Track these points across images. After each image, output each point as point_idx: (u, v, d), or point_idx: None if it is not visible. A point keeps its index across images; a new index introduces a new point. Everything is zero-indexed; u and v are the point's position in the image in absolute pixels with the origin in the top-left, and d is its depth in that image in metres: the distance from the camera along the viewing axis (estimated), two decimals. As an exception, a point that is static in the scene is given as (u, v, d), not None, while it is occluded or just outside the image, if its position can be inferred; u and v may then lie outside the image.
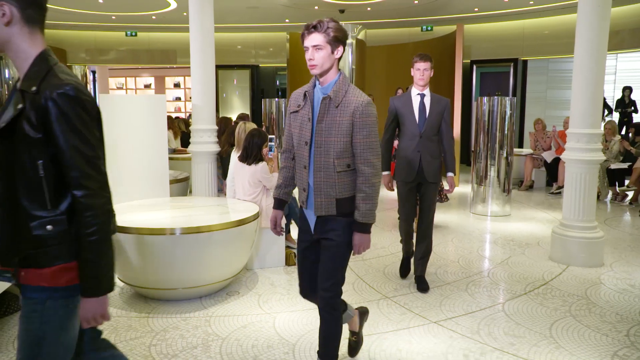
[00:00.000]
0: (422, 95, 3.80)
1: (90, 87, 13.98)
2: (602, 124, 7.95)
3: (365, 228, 2.35)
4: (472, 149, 7.25)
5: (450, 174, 3.89)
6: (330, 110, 2.30)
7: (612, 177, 7.63)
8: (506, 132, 6.58)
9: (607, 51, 4.47)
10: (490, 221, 6.40)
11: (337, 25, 2.26)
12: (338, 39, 2.26)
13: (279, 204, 2.63)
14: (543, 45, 11.21)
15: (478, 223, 6.29)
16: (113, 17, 11.37)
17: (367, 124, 2.29)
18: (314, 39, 2.23)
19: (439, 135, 3.83)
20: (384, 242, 5.28)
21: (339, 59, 2.31)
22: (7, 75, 7.05)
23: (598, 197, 7.34)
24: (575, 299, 3.78)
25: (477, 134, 6.82)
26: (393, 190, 4.03)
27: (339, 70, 2.36)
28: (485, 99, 6.67)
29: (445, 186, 4.19)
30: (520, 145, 11.50)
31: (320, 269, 2.45)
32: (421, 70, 3.73)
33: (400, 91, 8.82)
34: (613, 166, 7.55)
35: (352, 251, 2.42)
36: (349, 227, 2.37)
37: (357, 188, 2.33)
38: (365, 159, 2.30)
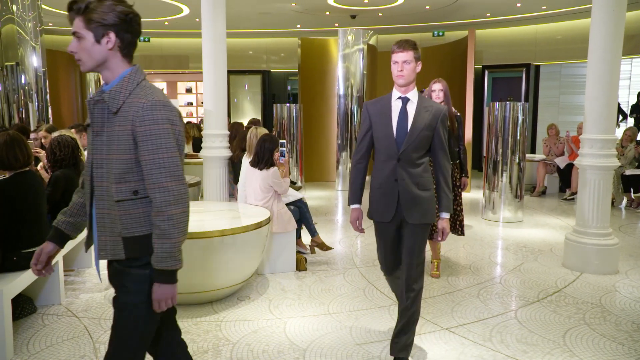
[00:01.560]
0: (405, 100, 2.70)
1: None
2: (618, 130, 7.87)
3: (165, 277, 1.71)
4: (484, 155, 7.21)
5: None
6: (109, 119, 1.72)
7: (627, 184, 7.53)
8: (518, 137, 6.52)
9: (622, 56, 4.43)
10: (502, 227, 6.34)
11: (98, 4, 1.68)
12: (95, 21, 1.68)
13: (54, 235, 1.96)
14: (556, 50, 11.13)
15: (490, 229, 6.24)
16: (126, 23, 11.48)
17: (152, 135, 1.67)
18: (76, 25, 1.70)
19: (432, 158, 2.76)
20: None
21: (119, 47, 1.73)
22: (23, 81, 7.14)
23: (613, 203, 7.25)
24: (589, 307, 3.73)
25: (489, 139, 6.78)
26: (362, 232, 2.89)
27: (131, 63, 1.78)
28: (497, 104, 6.62)
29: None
30: (533, 151, 11.41)
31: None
32: (399, 63, 2.65)
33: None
34: (628, 172, 7.46)
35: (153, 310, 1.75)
36: (146, 281, 1.74)
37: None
38: (154, 182, 1.68)
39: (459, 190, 4.44)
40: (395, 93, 2.73)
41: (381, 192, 2.74)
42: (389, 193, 2.70)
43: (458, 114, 4.48)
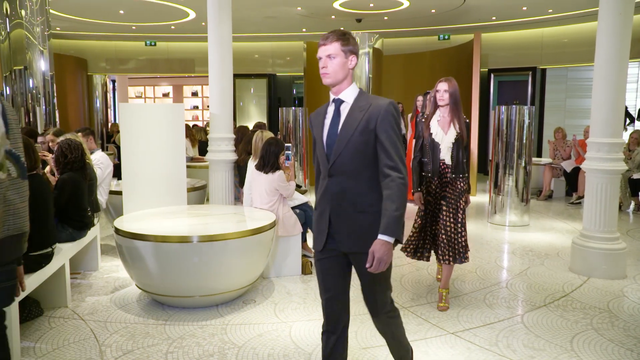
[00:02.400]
0: (337, 103, 2.20)
1: (110, 95, 14.22)
2: (625, 133, 7.82)
3: None
4: (490, 159, 7.18)
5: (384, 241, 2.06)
6: None
7: (635, 188, 7.48)
8: (524, 141, 6.50)
9: (629, 59, 4.41)
10: (509, 231, 6.31)
11: None
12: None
13: None
14: (562, 54, 11.10)
15: (496, 233, 6.21)
16: (133, 27, 11.57)
17: None
18: None
19: (379, 169, 2.14)
20: (400, 251, 5.23)
21: None
22: (31, 85, 7.20)
23: (620, 207, 7.20)
24: (597, 312, 3.70)
25: (495, 143, 6.76)
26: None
27: None
28: (503, 108, 6.61)
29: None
30: (539, 155, 11.36)
31: None
32: (323, 59, 2.15)
33: (420, 98, 7.18)
34: (635, 176, 7.41)
35: None
36: None
37: None
38: None
39: (463, 208, 3.73)
40: (331, 96, 2.24)
41: (317, 214, 2.28)
42: (323, 215, 2.23)
43: (467, 120, 3.77)
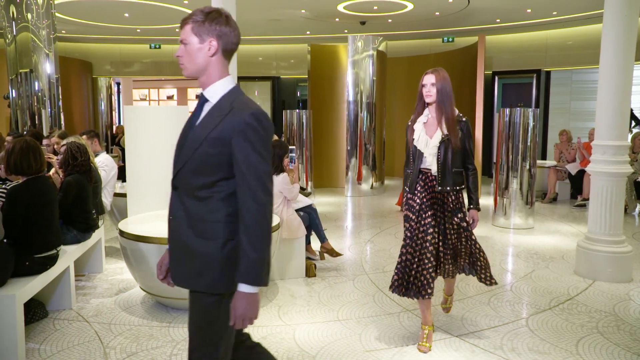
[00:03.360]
0: (202, 101, 1.82)
1: (114, 98, 14.28)
2: (630, 136, 7.78)
3: None
4: (495, 161, 7.16)
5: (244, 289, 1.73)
6: None
7: (640, 190, 7.44)
8: (529, 143, 6.48)
9: (634, 61, 4.40)
10: (513, 234, 6.29)
11: None
12: None
13: None
14: (567, 56, 11.07)
15: (500, 236, 6.19)
16: (138, 30, 11.62)
17: None
18: None
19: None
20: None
21: None
22: (36, 88, 7.24)
23: (626, 210, 7.16)
24: (602, 315, 3.68)
25: (499, 145, 6.75)
26: None
27: None
28: (507, 110, 6.59)
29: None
30: (544, 157, 11.32)
31: None
32: (180, 46, 1.81)
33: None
34: (641, 179, 7.37)
35: None
36: None
37: None
38: None
39: (466, 229, 3.15)
40: None
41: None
42: (169, 237, 1.87)
43: (464, 119, 3.10)
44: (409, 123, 3.20)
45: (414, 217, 3.09)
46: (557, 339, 3.29)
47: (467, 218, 3.16)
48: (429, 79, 3.04)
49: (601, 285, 4.31)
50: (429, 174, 3.10)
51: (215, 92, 1.76)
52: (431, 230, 3.02)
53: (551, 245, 5.71)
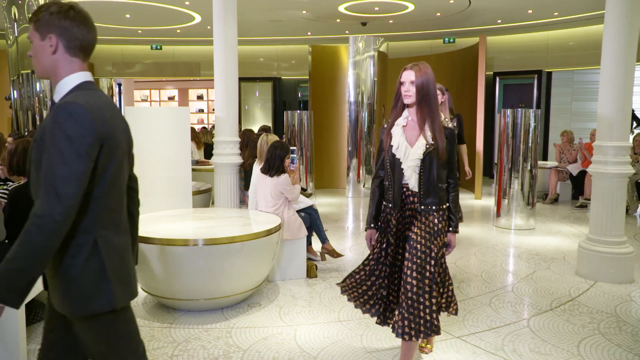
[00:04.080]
0: (52, 104, 1.67)
1: (116, 99, 14.29)
2: (631, 137, 7.77)
3: None
4: (496, 162, 7.16)
5: None
6: None
7: (642, 191, 7.43)
8: (530, 144, 6.48)
9: (636, 62, 4.39)
10: (514, 235, 6.29)
11: None
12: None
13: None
14: (568, 57, 11.06)
15: (501, 237, 6.19)
16: (139, 31, 11.64)
17: None
18: None
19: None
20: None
21: None
22: (38, 89, 7.25)
23: (627, 211, 7.15)
24: (604, 316, 3.67)
25: (500, 146, 6.74)
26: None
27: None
28: (508, 111, 6.59)
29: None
30: (545, 158, 11.31)
31: None
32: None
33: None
34: (642, 179, 7.37)
35: None
36: None
37: None
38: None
39: (437, 256, 2.61)
40: None
41: None
42: None
43: (449, 125, 2.78)
44: (385, 126, 2.75)
45: (391, 238, 2.70)
46: (558, 340, 3.29)
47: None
48: (407, 76, 2.59)
49: (603, 286, 4.31)
50: (406, 190, 2.65)
51: (59, 92, 1.60)
52: (406, 255, 2.61)
53: (552, 246, 5.71)
